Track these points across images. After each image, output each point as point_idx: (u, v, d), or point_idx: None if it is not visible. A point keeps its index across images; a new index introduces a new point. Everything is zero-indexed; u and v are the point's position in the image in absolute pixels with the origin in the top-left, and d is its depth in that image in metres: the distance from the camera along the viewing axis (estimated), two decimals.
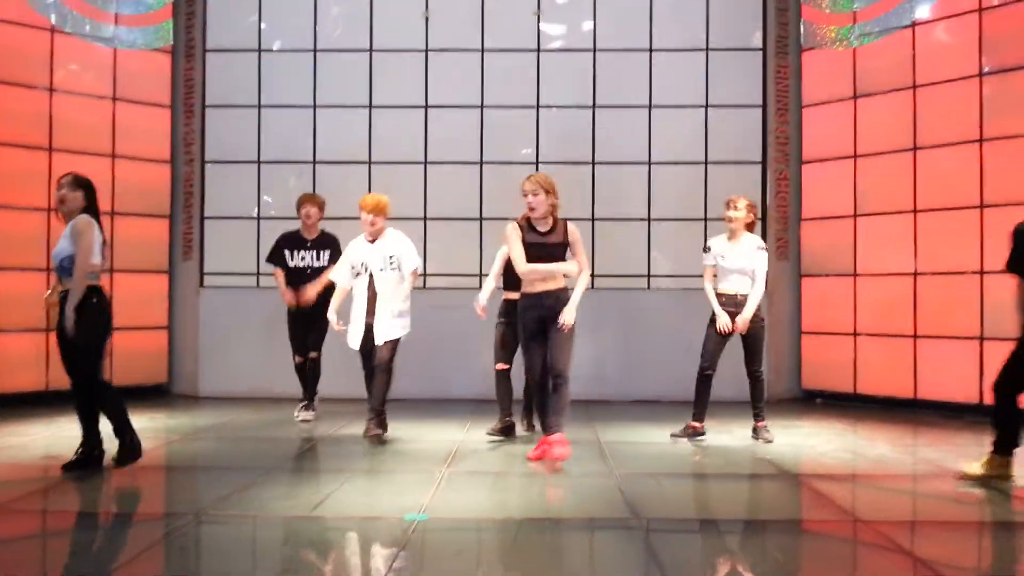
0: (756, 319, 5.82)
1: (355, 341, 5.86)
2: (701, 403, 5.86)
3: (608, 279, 8.20)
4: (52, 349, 5.12)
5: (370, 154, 8.37)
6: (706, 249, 5.98)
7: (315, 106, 8.41)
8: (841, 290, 7.97)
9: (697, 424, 5.87)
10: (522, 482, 4.78)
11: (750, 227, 5.92)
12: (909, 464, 5.40)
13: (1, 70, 7.34)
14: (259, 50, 8.47)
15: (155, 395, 8.08)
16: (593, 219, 8.24)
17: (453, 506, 4.16)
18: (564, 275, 5.14)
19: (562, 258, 5.13)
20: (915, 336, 7.45)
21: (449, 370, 8.01)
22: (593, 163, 8.33)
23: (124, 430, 4.91)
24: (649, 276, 8.30)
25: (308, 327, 6.67)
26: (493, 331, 6.12)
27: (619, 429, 6.44)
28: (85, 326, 4.72)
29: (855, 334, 7.86)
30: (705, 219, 8.19)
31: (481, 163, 8.35)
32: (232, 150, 8.42)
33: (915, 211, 7.50)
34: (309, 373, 6.77)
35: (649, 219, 8.30)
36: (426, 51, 8.41)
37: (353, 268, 5.87)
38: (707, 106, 8.32)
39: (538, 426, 5.71)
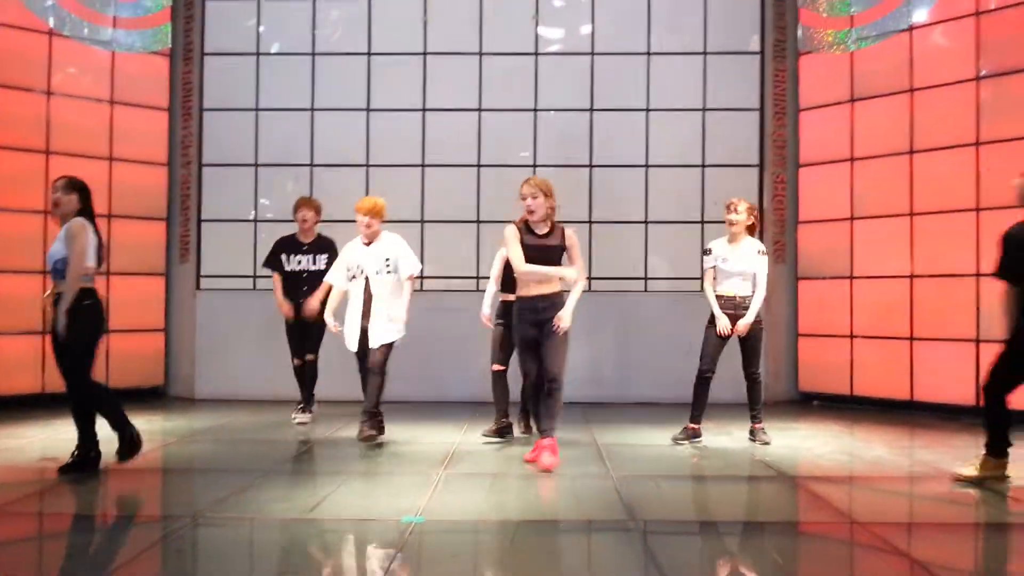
0: (754, 321, 5.83)
1: (352, 343, 5.87)
2: (699, 405, 5.86)
3: (606, 281, 8.21)
4: (49, 351, 5.11)
5: (368, 157, 8.37)
6: (706, 251, 5.98)
7: (313, 109, 8.42)
8: (838, 293, 7.98)
9: (695, 426, 5.88)
10: (519, 484, 4.77)
11: (751, 229, 5.93)
12: (906, 466, 5.41)
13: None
14: (257, 53, 8.48)
15: (152, 397, 8.07)
16: (591, 222, 8.25)
17: (450, 508, 4.16)
18: (560, 279, 5.13)
19: (559, 262, 5.14)
20: (911, 338, 7.46)
21: (446, 372, 8.01)
22: (591, 166, 8.34)
23: (122, 426, 4.92)
24: (647, 279, 8.31)
25: (305, 330, 6.67)
26: (489, 333, 6.12)
27: (617, 431, 6.44)
28: (76, 328, 4.73)
29: (852, 336, 7.87)
30: (702, 222, 8.21)
31: (479, 166, 8.36)
32: (230, 153, 8.42)
33: (912, 214, 7.52)
34: (307, 375, 6.77)
35: (647, 222, 8.31)
36: (424, 54, 8.42)
37: (349, 271, 5.87)
38: (705, 109, 8.34)
39: (535, 428, 5.70)
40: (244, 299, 8.19)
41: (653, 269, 8.32)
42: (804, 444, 6.04)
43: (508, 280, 5.78)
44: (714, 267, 5.88)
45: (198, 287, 8.39)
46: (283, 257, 6.79)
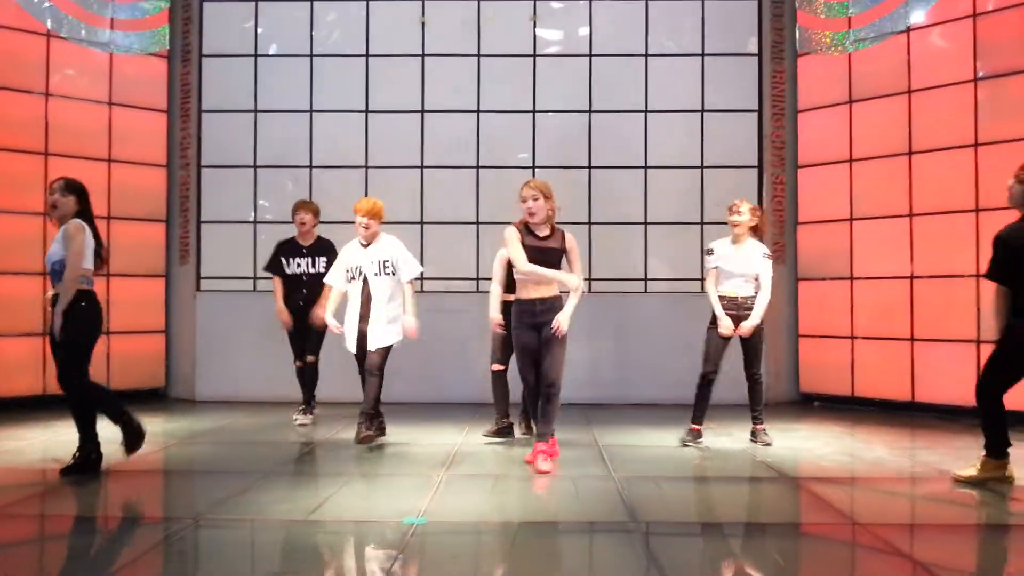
0: None
1: (351, 345, 5.87)
2: (701, 407, 5.87)
3: (605, 283, 8.22)
4: (49, 353, 5.12)
5: (367, 158, 8.37)
6: (709, 251, 5.96)
7: (311, 111, 8.42)
8: (838, 294, 7.99)
9: (697, 427, 5.89)
10: (521, 485, 4.77)
11: (756, 231, 5.93)
12: (907, 467, 5.41)
13: None
14: (255, 55, 8.48)
15: (152, 399, 8.07)
16: (590, 223, 8.26)
17: (451, 509, 4.16)
18: (559, 283, 5.12)
19: (559, 265, 5.14)
20: (912, 339, 7.47)
21: (447, 374, 8.01)
22: (590, 167, 8.34)
23: (124, 419, 4.94)
24: (646, 280, 8.31)
25: (306, 331, 6.67)
26: (490, 334, 6.12)
27: (617, 432, 6.44)
28: (72, 329, 4.74)
29: (852, 337, 7.88)
30: (702, 223, 8.22)
31: (478, 167, 8.36)
32: (229, 154, 8.41)
33: (911, 215, 7.53)
34: (307, 377, 6.77)
35: (646, 223, 8.32)
36: (423, 56, 8.42)
37: (348, 272, 5.86)
38: (703, 111, 8.35)
39: (536, 429, 5.69)
40: (244, 300, 8.18)
41: (653, 270, 8.32)
42: (805, 445, 6.04)
43: (508, 281, 5.78)
44: (716, 267, 5.88)
45: (198, 288, 8.38)
46: (283, 261, 6.79)
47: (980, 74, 7.12)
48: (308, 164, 8.40)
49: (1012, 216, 4.83)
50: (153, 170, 8.32)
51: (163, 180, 8.38)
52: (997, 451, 4.70)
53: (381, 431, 5.96)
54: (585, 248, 8.06)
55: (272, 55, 8.51)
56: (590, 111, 8.38)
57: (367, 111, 8.40)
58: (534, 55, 8.43)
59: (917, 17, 7.57)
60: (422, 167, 8.37)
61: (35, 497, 4.47)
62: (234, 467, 5.22)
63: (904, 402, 7.48)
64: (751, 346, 5.84)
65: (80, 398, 4.85)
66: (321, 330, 6.42)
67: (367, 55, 8.43)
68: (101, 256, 4.99)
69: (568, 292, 5.08)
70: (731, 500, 4.68)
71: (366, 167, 8.36)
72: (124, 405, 5.02)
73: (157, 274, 8.35)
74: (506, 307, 5.89)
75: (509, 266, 5.43)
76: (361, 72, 8.42)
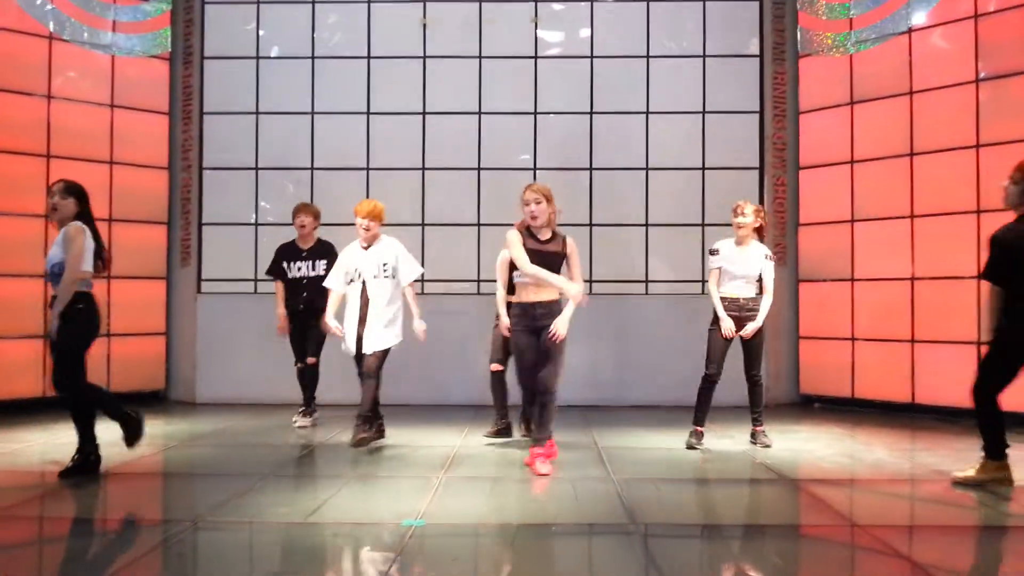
0: None
1: (349, 347, 5.85)
2: (704, 408, 5.86)
3: (606, 284, 8.21)
4: (49, 355, 5.13)
5: (368, 160, 8.38)
6: (713, 251, 5.93)
7: (313, 112, 8.43)
8: (838, 295, 7.98)
9: (700, 428, 5.88)
10: (520, 487, 4.77)
11: (759, 230, 5.92)
12: (907, 468, 5.40)
13: None
14: (257, 57, 8.49)
15: (152, 401, 8.08)
16: (591, 224, 8.26)
17: (450, 511, 4.15)
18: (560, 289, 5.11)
19: (559, 268, 5.13)
20: (912, 341, 7.46)
21: (447, 375, 8.01)
22: (591, 169, 8.34)
23: (121, 413, 4.97)
24: (647, 281, 8.31)
25: (307, 332, 6.67)
26: (490, 335, 6.13)
27: (617, 434, 6.43)
28: (68, 331, 4.75)
29: (853, 339, 7.87)
30: (703, 224, 8.22)
31: (479, 169, 8.36)
32: (230, 156, 8.43)
33: (912, 216, 7.52)
34: (308, 378, 6.77)
35: (647, 224, 8.32)
36: (424, 57, 8.43)
37: (347, 274, 5.84)
38: (704, 112, 8.35)
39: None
40: (245, 303, 8.19)
41: (653, 271, 8.31)
42: (805, 447, 6.04)
43: (508, 282, 5.78)
44: (719, 268, 5.86)
45: (199, 291, 8.39)
46: (284, 265, 6.79)
47: (981, 75, 7.11)
48: (309, 166, 8.41)
49: (1011, 217, 4.83)
50: (154, 172, 8.33)
51: (164, 182, 8.40)
52: (995, 452, 4.70)
53: (381, 433, 5.95)
54: (586, 249, 8.07)
55: (274, 57, 8.52)
56: (591, 112, 8.38)
57: (368, 113, 8.41)
58: (535, 57, 8.44)
59: (918, 18, 7.57)
60: (423, 169, 8.37)
61: (34, 499, 4.47)
62: (234, 469, 5.22)
63: (904, 404, 7.47)
64: (752, 347, 5.84)
65: (77, 399, 4.86)
66: (325, 332, 6.40)
67: (368, 57, 8.44)
68: (102, 258, 4.99)
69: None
70: (731, 502, 4.68)
71: (367, 169, 8.36)
72: (120, 404, 5.05)
73: (158, 276, 8.36)
74: (508, 308, 5.90)
75: (510, 268, 5.43)
76: (362, 74, 8.43)
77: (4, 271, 7.29)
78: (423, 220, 8.31)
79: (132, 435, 5.00)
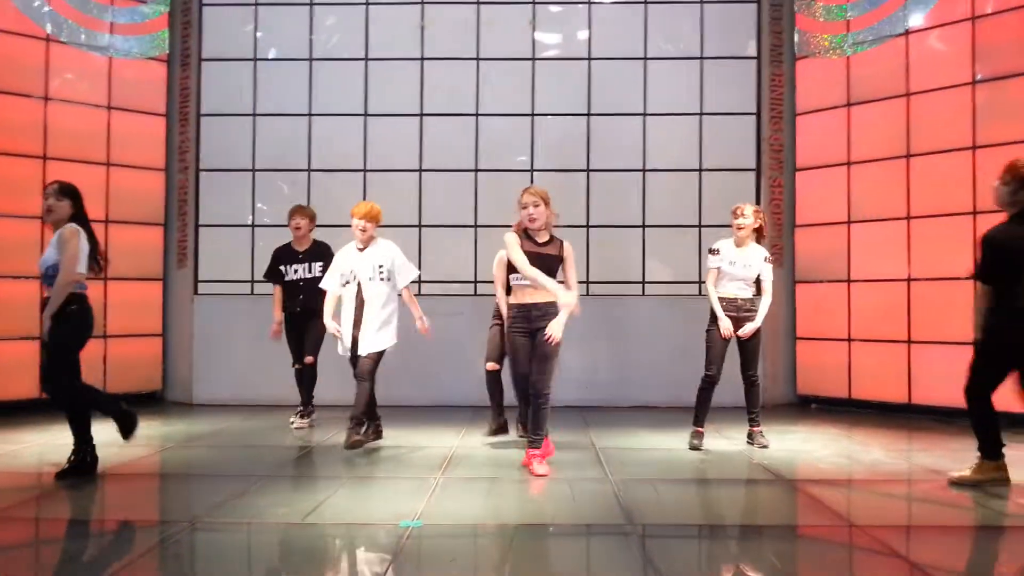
0: None
1: (344, 348, 5.85)
2: (704, 409, 5.86)
3: (603, 285, 8.22)
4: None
5: (365, 162, 8.38)
6: (714, 251, 5.93)
7: (310, 114, 8.43)
8: (835, 296, 8.00)
9: (700, 428, 5.88)
10: (517, 488, 4.77)
11: (759, 231, 5.92)
12: (904, 469, 5.40)
13: None
14: (255, 59, 8.49)
15: (149, 402, 8.06)
16: (588, 226, 8.26)
17: (448, 512, 4.15)
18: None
19: (556, 272, 5.15)
20: (909, 341, 7.48)
21: (444, 376, 8.01)
22: (588, 170, 8.35)
23: (115, 410, 4.99)
24: (644, 282, 8.31)
25: (304, 333, 6.67)
26: (486, 335, 6.13)
27: (615, 435, 6.43)
28: (59, 332, 4.75)
29: (849, 340, 7.88)
30: (699, 226, 8.22)
31: (476, 171, 8.37)
32: (227, 158, 8.42)
33: (909, 217, 7.53)
34: (306, 378, 6.77)
35: (644, 226, 8.32)
36: (422, 59, 8.43)
37: (343, 276, 5.82)
38: (701, 114, 8.36)
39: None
40: (242, 304, 8.18)
41: (650, 273, 8.32)
42: (802, 447, 6.04)
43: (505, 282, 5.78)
44: (718, 268, 5.87)
45: (196, 292, 8.38)
46: (282, 268, 6.79)
47: (978, 77, 7.13)
48: (307, 167, 8.41)
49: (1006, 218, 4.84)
50: (151, 174, 8.33)
51: (161, 184, 8.39)
52: (991, 452, 4.70)
53: (378, 434, 5.95)
54: (583, 251, 8.07)
55: (271, 59, 8.52)
56: (589, 114, 8.39)
57: (366, 115, 8.41)
58: (533, 59, 8.44)
59: (916, 20, 7.58)
60: (420, 170, 8.37)
61: (31, 500, 4.47)
62: (231, 470, 5.21)
63: (901, 404, 7.48)
64: (749, 348, 5.84)
65: (71, 400, 4.85)
66: (322, 333, 6.40)
67: (366, 59, 8.44)
68: (99, 260, 4.99)
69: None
70: (728, 502, 4.68)
71: (364, 170, 8.36)
72: (112, 399, 5.12)
73: (155, 277, 8.36)
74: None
75: (507, 268, 5.43)
76: (360, 76, 8.43)
77: (1, 272, 7.28)
78: (420, 222, 8.31)
79: (127, 427, 5.03)
